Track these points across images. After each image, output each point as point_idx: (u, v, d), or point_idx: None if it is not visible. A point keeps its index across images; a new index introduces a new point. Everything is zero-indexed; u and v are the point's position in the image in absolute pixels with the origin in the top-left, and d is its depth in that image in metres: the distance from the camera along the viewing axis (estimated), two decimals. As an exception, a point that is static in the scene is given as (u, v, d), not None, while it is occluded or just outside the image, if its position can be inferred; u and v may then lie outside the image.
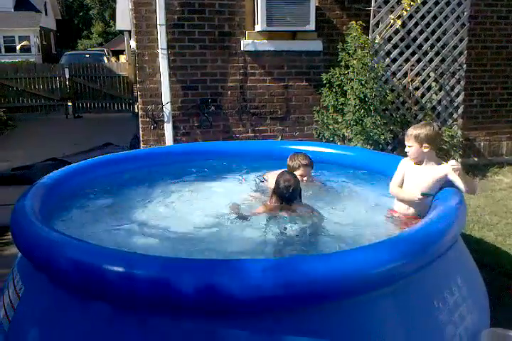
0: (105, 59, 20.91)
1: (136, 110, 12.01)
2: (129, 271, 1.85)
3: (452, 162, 2.73)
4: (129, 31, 18.18)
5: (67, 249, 2.05)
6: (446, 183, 2.85)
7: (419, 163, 2.93)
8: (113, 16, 30.98)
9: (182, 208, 3.26)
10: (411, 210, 2.95)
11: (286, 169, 3.36)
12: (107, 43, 39.86)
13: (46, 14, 33.19)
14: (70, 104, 12.87)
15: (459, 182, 2.74)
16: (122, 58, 26.46)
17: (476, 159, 6.68)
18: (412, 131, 2.88)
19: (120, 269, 1.86)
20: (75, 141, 8.80)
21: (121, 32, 24.25)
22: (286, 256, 2.66)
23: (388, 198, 3.18)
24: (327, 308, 1.89)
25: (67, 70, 12.77)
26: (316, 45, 5.85)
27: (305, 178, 3.39)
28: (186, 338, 1.83)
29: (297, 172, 3.34)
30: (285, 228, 2.85)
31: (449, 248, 2.32)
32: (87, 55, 21.17)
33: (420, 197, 2.84)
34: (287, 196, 2.92)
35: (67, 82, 12.82)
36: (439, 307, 2.16)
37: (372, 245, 2.10)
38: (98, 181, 3.51)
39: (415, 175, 2.94)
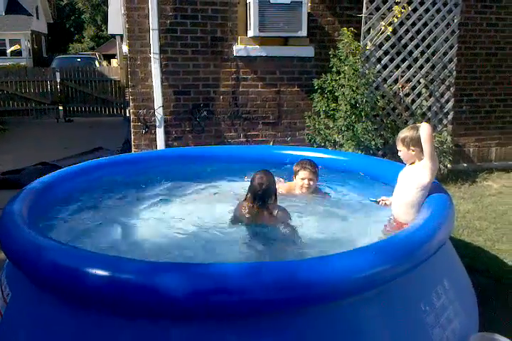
0: (97, 63, 20.86)
1: (127, 114, 11.99)
2: (116, 275, 1.84)
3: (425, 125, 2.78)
4: (121, 35, 18.21)
5: (54, 254, 2.03)
6: (433, 185, 2.87)
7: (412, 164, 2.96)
8: (105, 20, 30.95)
9: (168, 213, 3.25)
10: (406, 217, 2.92)
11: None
12: (98, 47, 39.79)
13: (38, 18, 33.06)
14: (60, 107, 12.82)
15: (425, 144, 2.74)
16: (114, 62, 26.42)
17: (465, 165, 6.73)
18: (399, 135, 2.93)
19: (107, 274, 1.85)
20: (65, 145, 8.76)
21: (113, 36, 24.28)
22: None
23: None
24: (311, 312, 1.89)
25: (58, 74, 12.72)
26: (308, 51, 5.88)
27: (305, 181, 3.39)
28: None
29: (299, 176, 3.39)
30: (265, 236, 2.86)
31: (436, 252, 2.33)
32: (79, 59, 21.11)
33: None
34: (260, 193, 2.89)
35: (58, 86, 12.76)
36: (426, 310, 2.17)
37: (356, 249, 2.10)
38: (88, 186, 3.49)
39: (402, 176, 2.98)
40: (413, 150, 2.85)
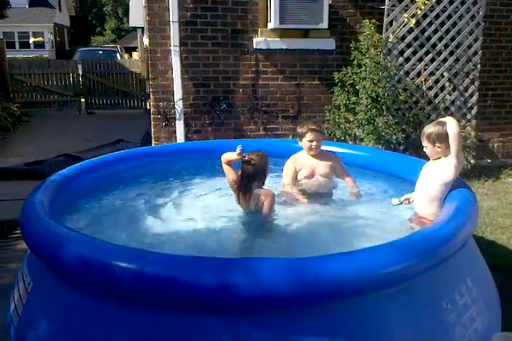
0: (118, 56, 21.00)
1: (148, 107, 12.06)
2: (138, 268, 1.85)
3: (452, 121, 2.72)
4: (142, 28, 18.26)
5: (75, 245, 2.06)
6: (457, 181, 2.82)
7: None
8: (126, 13, 31.10)
9: (187, 206, 3.26)
10: (427, 211, 2.89)
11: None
12: (120, 40, 40.03)
13: (60, 10, 33.41)
14: (82, 100, 12.95)
15: (453, 141, 2.69)
16: (135, 55, 26.55)
17: (489, 161, 6.60)
18: (424, 131, 2.87)
19: (130, 266, 1.86)
20: (87, 137, 8.85)
21: (134, 29, 24.35)
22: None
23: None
24: (335, 307, 1.89)
25: (80, 66, 12.85)
26: (329, 44, 5.82)
27: (314, 143, 3.37)
28: (196, 336, 1.83)
29: (306, 138, 3.37)
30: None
31: (460, 249, 2.30)
32: (100, 52, 21.29)
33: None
34: (241, 174, 2.93)
35: (81, 78, 12.90)
36: (448, 308, 2.14)
37: (380, 246, 2.08)
38: (109, 178, 3.52)
39: (425, 170, 2.93)
40: (439, 147, 2.79)
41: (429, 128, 2.84)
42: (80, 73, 12.84)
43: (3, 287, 3.15)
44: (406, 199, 3.06)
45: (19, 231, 4.12)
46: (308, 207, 3.21)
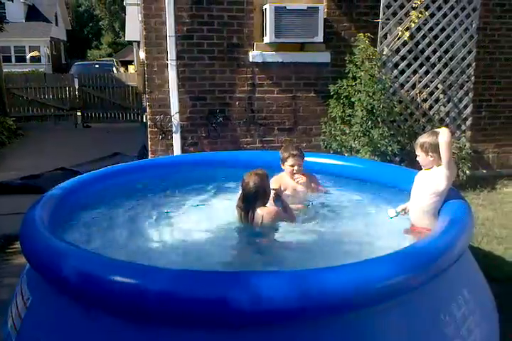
0: (114, 69, 21.12)
1: (144, 120, 12.08)
2: (138, 282, 1.85)
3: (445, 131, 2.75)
4: (138, 42, 18.42)
5: (75, 260, 2.05)
6: (451, 192, 2.84)
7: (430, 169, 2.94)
8: (123, 27, 31.36)
9: (188, 219, 3.26)
10: (422, 221, 2.90)
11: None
12: (116, 54, 40.27)
13: (57, 25, 33.68)
14: (79, 113, 12.98)
15: (443, 150, 2.72)
16: (131, 68, 26.72)
17: (484, 171, 6.64)
18: (418, 140, 2.92)
19: (129, 281, 1.86)
20: (83, 150, 8.85)
21: (131, 42, 24.60)
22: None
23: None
24: (329, 322, 1.87)
25: (76, 80, 12.91)
26: (324, 57, 5.88)
27: (295, 168, 3.49)
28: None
29: (288, 163, 3.50)
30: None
31: (456, 261, 2.30)
32: (97, 66, 21.39)
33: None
34: (243, 194, 2.95)
35: (77, 92, 12.94)
36: (446, 320, 2.13)
37: (376, 259, 2.06)
38: (108, 191, 3.52)
39: (418, 180, 2.95)
40: (431, 156, 2.83)
41: (423, 138, 2.89)
42: (77, 87, 12.90)
43: (0, 303, 3.14)
44: (402, 209, 3.08)
45: (16, 246, 4.13)
46: (300, 222, 3.23)
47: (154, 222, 3.25)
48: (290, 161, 3.50)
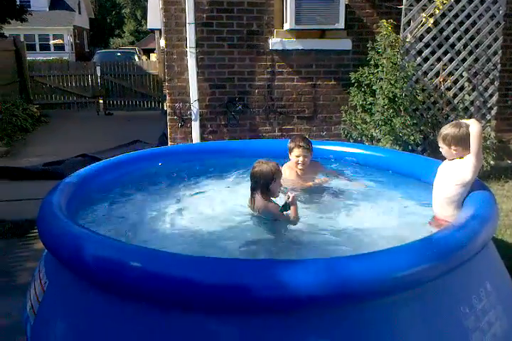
0: (136, 57, 21.19)
1: (165, 108, 12.14)
2: (155, 268, 1.86)
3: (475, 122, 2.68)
4: (160, 30, 18.42)
5: (91, 245, 2.07)
6: (476, 183, 2.77)
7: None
8: (145, 15, 31.42)
9: (203, 205, 3.27)
10: (445, 213, 2.83)
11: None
12: (138, 42, 40.44)
13: (80, 13, 33.90)
14: (101, 101, 13.10)
15: (473, 141, 2.64)
16: (153, 57, 26.80)
17: (509, 161, 6.49)
18: (441, 131, 2.81)
19: (147, 266, 1.87)
20: (105, 137, 8.94)
21: (152, 31, 24.63)
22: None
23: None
24: (351, 310, 1.86)
25: (98, 68, 13.01)
26: (346, 44, 5.78)
27: (300, 159, 3.47)
28: (213, 337, 1.83)
29: (293, 153, 3.49)
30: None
31: (479, 252, 2.25)
32: (119, 54, 21.50)
33: None
34: (251, 181, 2.97)
35: (99, 80, 13.05)
36: (466, 312, 2.10)
37: (397, 248, 2.04)
38: (125, 178, 3.54)
39: (442, 170, 2.88)
40: (455, 150, 2.74)
41: (446, 130, 2.78)
42: (99, 75, 13.00)
43: (20, 286, 3.21)
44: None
45: (36, 231, 4.21)
46: (320, 208, 3.21)
47: (170, 208, 3.25)
48: (296, 152, 3.49)
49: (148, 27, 23.51)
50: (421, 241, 2.12)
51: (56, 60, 16.08)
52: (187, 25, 5.31)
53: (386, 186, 3.62)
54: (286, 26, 5.52)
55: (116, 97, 13.14)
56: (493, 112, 5.93)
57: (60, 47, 29.60)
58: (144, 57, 26.88)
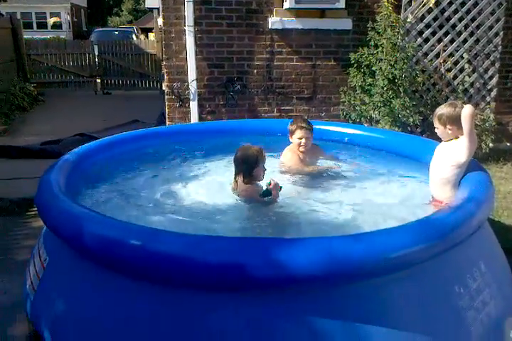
0: (134, 36, 20.94)
1: (163, 88, 12.04)
2: (154, 247, 1.88)
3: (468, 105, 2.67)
4: (158, 9, 18.11)
5: (91, 224, 2.09)
6: (472, 164, 2.79)
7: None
8: (143, -7, 30.89)
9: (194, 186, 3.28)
10: (442, 194, 2.86)
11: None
12: (136, 21, 39.83)
13: (77, -10, 33.30)
14: (98, 80, 12.98)
15: (464, 122, 2.64)
16: (151, 36, 26.44)
17: (508, 144, 6.49)
18: (436, 111, 2.83)
19: (146, 244, 1.89)
20: (103, 117, 8.90)
21: (151, 9, 24.26)
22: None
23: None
24: (347, 289, 1.89)
25: (96, 47, 12.85)
26: (346, 24, 5.71)
27: (303, 140, 3.44)
28: (212, 316, 1.86)
29: (296, 135, 3.46)
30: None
31: (473, 233, 2.27)
32: (116, 32, 21.21)
33: None
34: (235, 165, 2.97)
35: (97, 59, 12.91)
36: (460, 292, 2.13)
37: (393, 228, 2.07)
38: (122, 157, 3.54)
39: (438, 152, 2.90)
40: (450, 129, 2.76)
41: (441, 110, 2.80)
42: (96, 54, 12.85)
43: (19, 263, 3.24)
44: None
45: (34, 209, 4.22)
46: (320, 189, 3.22)
47: (165, 187, 3.27)
48: (298, 134, 3.45)
49: (146, 6, 23.19)
50: (418, 222, 2.14)
51: (53, 38, 15.85)
52: (185, 3, 5.22)
53: (384, 167, 3.63)
54: (286, 5, 5.44)
55: (114, 77, 13.01)
56: (492, 94, 5.91)
57: (57, 26, 29.17)
58: (142, 37, 26.51)
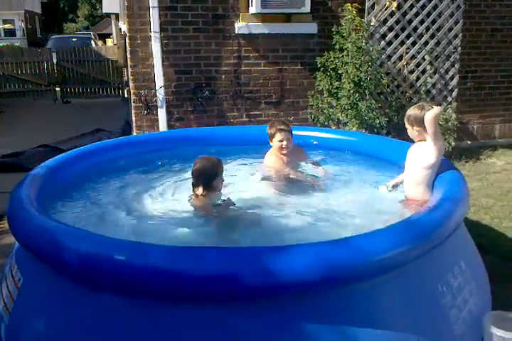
0: (93, 43, 20.54)
1: (125, 95, 11.84)
2: (138, 261, 1.83)
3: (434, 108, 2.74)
4: (117, 14, 17.82)
5: (70, 239, 2.01)
6: (445, 163, 2.85)
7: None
8: (99, -1, 30.35)
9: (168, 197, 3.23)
10: (416, 195, 2.91)
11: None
12: (93, 27, 39.16)
13: (30, -3, 32.43)
14: (58, 89, 12.67)
15: (427, 125, 2.71)
16: (109, 42, 26.04)
17: (469, 142, 6.69)
18: (406, 113, 2.93)
19: (130, 259, 1.84)
20: (64, 126, 8.68)
21: (108, 15, 23.82)
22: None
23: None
24: (329, 295, 1.88)
25: (54, 55, 12.53)
26: (311, 28, 5.76)
27: (284, 143, 3.42)
28: (198, 329, 1.81)
29: (276, 138, 3.43)
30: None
31: (454, 232, 2.32)
32: (75, 39, 20.74)
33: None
34: (192, 178, 2.95)
35: (55, 67, 12.58)
36: (443, 291, 2.16)
37: (378, 231, 2.07)
38: (94, 168, 3.45)
39: (410, 153, 2.96)
40: (417, 130, 2.85)
41: (410, 111, 2.90)
42: (55, 61, 12.53)
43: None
44: (394, 186, 3.10)
45: (2, 226, 4.04)
46: (297, 196, 3.22)
47: (138, 199, 3.20)
48: (278, 136, 3.42)
49: (103, 11, 22.73)
50: (401, 223, 2.16)
51: (7, 46, 15.37)
52: (151, 9, 5.15)
53: (359, 169, 3.66)
54: (252, 10, 5.45)
55: (74, 84, 12.74)
56: (454, 94, 6.08)
57: (10, 33, 28.31)
58: (100, 43, 26.09)
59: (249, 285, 1.76)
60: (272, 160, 3.48)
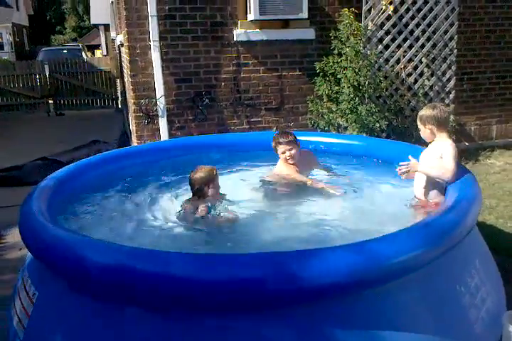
0: (83, 54, 20.49)
1: (119, 106, 11.80)
2: (161, 270, 1.79)
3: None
4: (105, 25, 17.81)
5: (90, 251, 1.97)
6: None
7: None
8: (87, 10, 30.36)
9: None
10: (428, 196, 2.91)
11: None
12: (81, 38, 39.12)
13: (18, 10, 32.31)
14: (51, 101, 12.58)
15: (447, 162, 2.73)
16: (98, 53, 26.01)
17: (467, 144, 6.72)
18: (419, 113, 2.95)
19: (142, 267, 1.81)
20: (59, 139, 8.59)
21: (96, 26, 23.79)
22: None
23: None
24: (352, 298, 1.87)
25: (46, 67, 12.46)
26: (309, 34, 5.79)
27: (287, 154, 3.43)
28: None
29: (279, 151, 3.47)
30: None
31: (469, 232, 2.32)
32: (65, 51, 20.70)
33: None
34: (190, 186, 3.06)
35: (48, 79, 12.51)
36: (462, 291, 2.17)
37: (397, 234, 2.07)
38: (100, 179, 3.41)
39: (424, 154, 2.96)
40: (429, 129, 2.86)
41: (422, 111, 2.93)
42: (47, 74, 12.45)
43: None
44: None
45: (5, 241, 3.97)
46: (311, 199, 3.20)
47: (149, 207, 3.19)
48: (280, 149, 3.46)
49: (91, 22, 22.72)
50: (423, 225, 2.16)
51: (-2, 59, 15.30)
52: (149, 17, 5.15)
53: (370, 174, 3.66)
54: (250, 17, 5.47)
55: (67, 96, 12.64)
56: (451, 96, 6.11)
57: (-1, 47, 28.18)
58: (89, 54, 26.03)
59: (279, 291, 1.74)
60: (284, 168, 3.48)
